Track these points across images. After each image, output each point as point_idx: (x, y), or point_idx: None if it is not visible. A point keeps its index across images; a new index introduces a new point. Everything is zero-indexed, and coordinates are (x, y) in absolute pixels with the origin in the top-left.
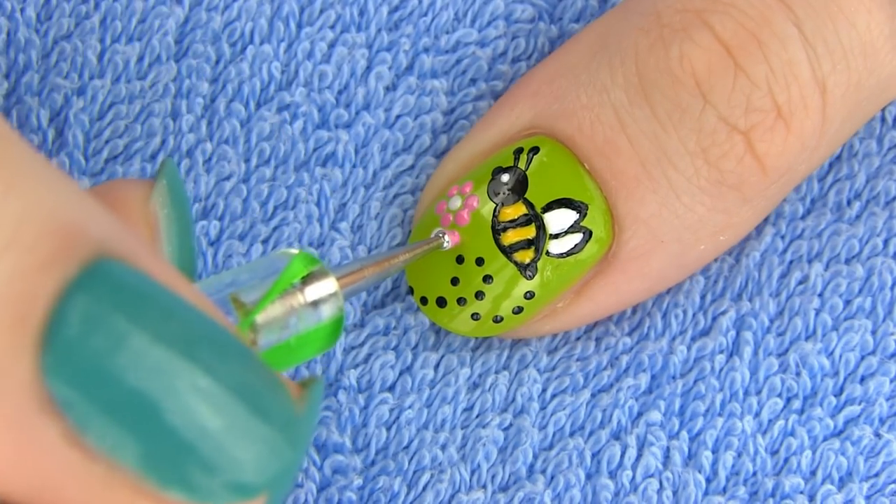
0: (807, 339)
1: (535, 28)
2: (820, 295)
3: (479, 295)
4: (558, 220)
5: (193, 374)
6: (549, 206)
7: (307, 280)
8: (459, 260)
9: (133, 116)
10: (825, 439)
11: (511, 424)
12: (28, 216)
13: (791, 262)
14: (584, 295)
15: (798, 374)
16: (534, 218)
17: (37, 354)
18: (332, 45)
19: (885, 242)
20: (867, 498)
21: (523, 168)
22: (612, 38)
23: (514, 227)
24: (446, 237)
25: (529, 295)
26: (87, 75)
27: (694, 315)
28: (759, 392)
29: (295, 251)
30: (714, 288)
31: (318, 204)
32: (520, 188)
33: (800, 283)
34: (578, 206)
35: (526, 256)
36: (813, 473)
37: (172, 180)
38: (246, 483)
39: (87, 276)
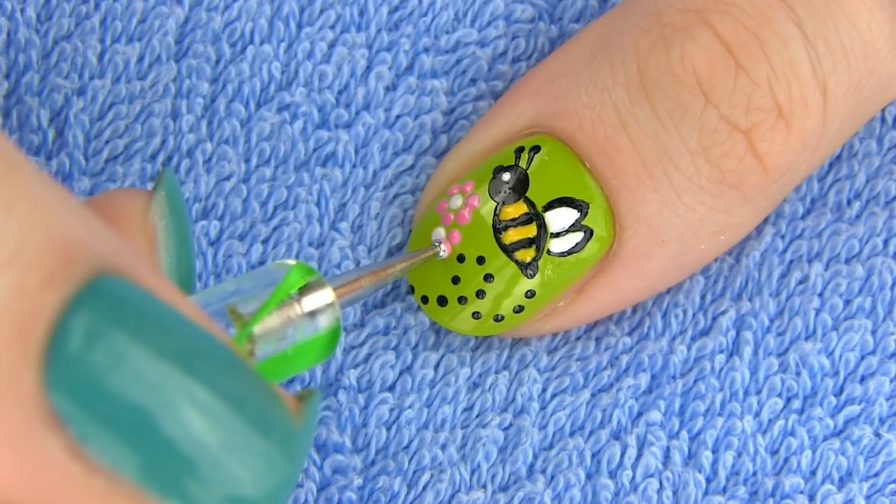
0: (807, 338)
1: (535, 28)
2: (820, 295)
3: (480, 294)
4: (559, 218)
5: (192, 388)
6: (550, 205)
7: (304, 291)
8: (460, 259)
9: (133, 116)
10: (825, 439)
11: (511, 424)
12: (29, 233)
13: (791, 262)
14: (585, 294)
15: (798, 373)
16: (535, 217)
17: (40, 369)
18: (332, 45)
19: (885, 242)
20: (867, 498)
21: (524, 167)
22: (612, 37)
23: (515, 226)
24: (442, 246)
25: (530, 294)
26: (87, 75)
27: (694, 315)
28: (759, 392)
29: (292, 262)
30: (714, 288)
31: (318, 204)
32: (521, 187)
33: (800, 283)
34: (579, 205)
35: (527, 255)
36: (813, 473)
37: (171, 191)
38: (244, 497)
39: (87, 292)
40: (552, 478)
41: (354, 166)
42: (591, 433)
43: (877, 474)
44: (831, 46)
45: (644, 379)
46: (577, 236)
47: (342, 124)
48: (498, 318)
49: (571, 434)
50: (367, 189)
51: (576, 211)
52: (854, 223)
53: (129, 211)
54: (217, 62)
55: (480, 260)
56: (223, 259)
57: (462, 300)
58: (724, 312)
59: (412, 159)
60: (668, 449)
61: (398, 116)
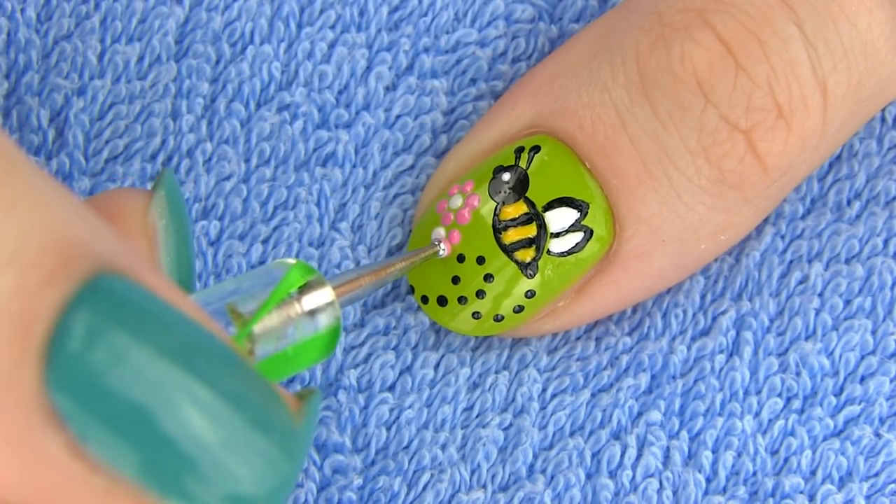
0: (807, 338)
1: (535, 28)
2: (820, 295)
3: (480, 294)
4: (559, 218)
5: (192, 387)
6: (550, 205)
7: (304, 290)
8: (460, 259)
9: (133, 116)
10: (825, 439)
11: (511, 424)
12: (30, 232)
13: (791, 262)
14: (585, 294)
15: (798, 373)
16: (535, 217)
17: (40, 368)
18: (332, 45)
19: (885, 242)
20: (867, 498)
21: (524, 167)
22: (613, 37)
23: (514, 226)
24: (442, 245)
25: (530, 294)
26: (87, 75)
27: (694, 315)
28: (759, 392)
29: (292, 261)
30: (714, 288)
31: (318, 204)
32: (521, 187)
33: (800, 283)
34: (579, 205)
35: (527, 255)
36: (813, 473)
37: (171, 191)
38: (244, 495)
39: (88, 290)
40: (552, 478)
41: (354, 166)
42: (591, 433)
43: (877, 474)
44: (831, 46)
45: (644, 379)
46: (577, 236)
47: (342, 124)
48: (498, 318)
49: (571, 434)
50: (367, 189)
51: (576, 211)
52: (854, 223)
53: (129, 210)
54: (217, 62)
55: (480, 260)
56: (223, 259)
57: (462, 300)
58: (724, 312)
59: (412, 159)
60: (668, 449)
61: (398, 116)
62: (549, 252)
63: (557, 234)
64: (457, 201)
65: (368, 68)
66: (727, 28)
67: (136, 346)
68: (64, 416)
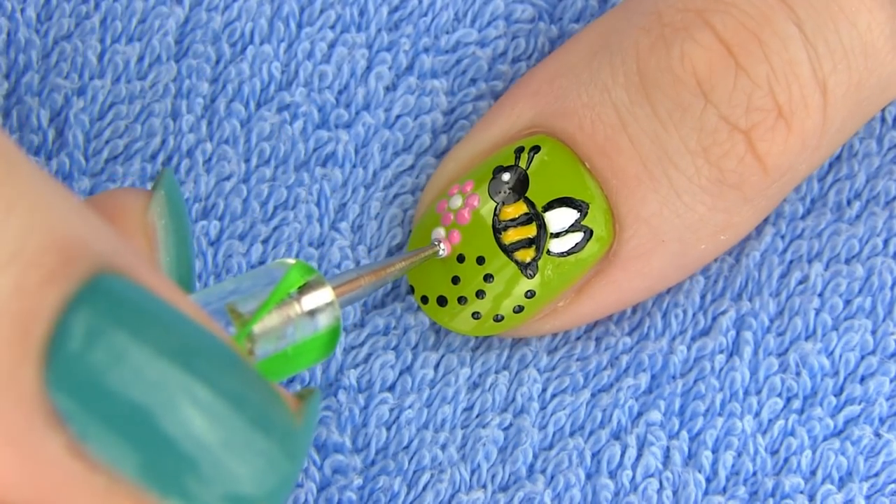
0: (807, 338)
1: (535, 28)
2: (820, 295)
3: (480, 294)
4: (559, 218)
5: (192, 386)
6: (550, 205)
7: (304, 290)
8: (460, 259)
9: (133, 116)
10: (825, 439)
11: (511, 424)
12: (30, 232)
13: (791, 262)
14: (585, 294)
15: (798, 373)
16: (535, 217)
17: (40, 368)
18: (332, 45)
19: (885, 242)
20: (867, 498)
21: (524, 167)
22: (613, 37)
23: (514, 226)
24: (442, 245)
25: (530, 294)
26: (87, 75)
27: (694, 315)
28: (759, 392)
29: (291, 261)
30: (714, 288)
31: (318, 204)
32: (521, 187)
33: (800, 283)
34: (579, 205)
35: (527, 255)
36: (813, 473)
37: (170, 190)
38: (244, 495)
39: (88, 290)
40: (552, 478)
41: (354, 166)
42: (591, 433)
43: (877, 474)
44: (831, 46)
45: (644, 379)
46: (577, 236)
47: (342, 124)
48: (498, 318)
49: (571, 434)
50: (367, 189)
51: (576, 211)
52: (854, 223)
53: (129, 210)
54: (217, 62)
55: (480, 260)
56: (223, 259)
57: (462, 300)
58: (724, 312)
59: (412, 159)
60: (668, 449)
61: (398, 116)
62: (548, 252)
63: (557, 235)
64: (457, 201)
65: (368, 68)
66: (727, 28)
67: (135, 346)
68: (64, 415)
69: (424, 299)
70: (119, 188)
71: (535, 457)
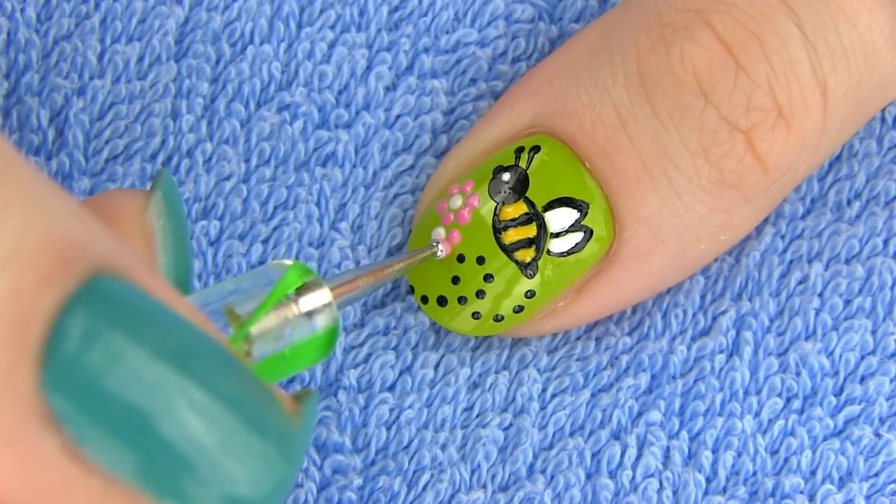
0: (807, 338)
1: (535, 28)
2: (820, 295)
3: (480, 294)
4: (559, 218)
5: (189, 388)
6: (550, 205)
7: (301, 291)
8: (460, 259)
9: (133, 116)
10: (825, 439)
11: (511, 424)
12: (27, 233)
13: (791, 262)
14: (585, 294)
15: (798, 373)
16: (535, 217)
17: (36, 369)
18: (332, 45)
19: (885, 242)
20: (867, 498)
21: (524, 167)
22: (613, 37)
23: (514, 226)
24: (440, 246)
25: (530, 294)
26: (87, 75)
27: (694, 315)
28: (759, 392)
29: (289, 262)
30: (714, 288)
31: (318, 204)
32: (521, 187)
33: (800, 283)
34: (579, 205)
35: (527, 255)
36: (813, 473)
37: (168, 191)
38: (241, 497)
39: (85, 292)
40: (552, 478)
41: (354, 166)
42: (591, 433)
43: (877, 474)
44: (831, 46)
45: (644, 379)
46: (577, 236)
47: (342, 124)
48: (498, 318)
49: (571, 434)
50: (367, 189)
51: (576, 211)
52: (854, 223)
53: (126, 211)
54: (217, 62)
55: (480, 260)
56: (223, 259)
57: (462, 300)
58: (724, 312)
59: (412, 159)
60: (668, 449)
61: (398, 116)
62: (549, 252)
63: (557, 234)
64: (457, 201)
65: (368, 68)
66: (727, 28)
67: (132, 348)
68: (60, 417)
69: (424, 299)
70: (117, 189)
71: (535, 457)
